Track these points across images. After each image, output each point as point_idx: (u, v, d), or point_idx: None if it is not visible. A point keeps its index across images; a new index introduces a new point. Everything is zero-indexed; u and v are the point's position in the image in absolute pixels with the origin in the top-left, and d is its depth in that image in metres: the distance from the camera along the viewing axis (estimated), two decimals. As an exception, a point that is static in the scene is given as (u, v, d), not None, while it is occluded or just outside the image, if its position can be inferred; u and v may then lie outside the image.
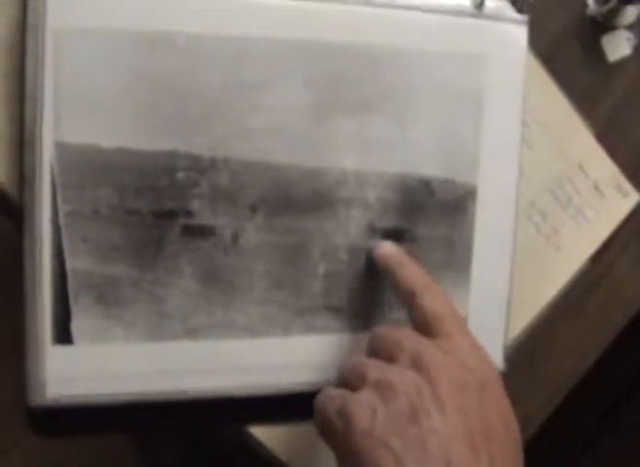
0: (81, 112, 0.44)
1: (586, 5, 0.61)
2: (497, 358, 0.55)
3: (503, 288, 0.55)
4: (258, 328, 0.48)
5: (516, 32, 0.53)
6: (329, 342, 0.50)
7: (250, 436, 0.52)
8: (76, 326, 0.45)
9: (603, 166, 0.63)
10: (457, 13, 0.52)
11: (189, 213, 0.47)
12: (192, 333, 0.47)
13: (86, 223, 0.45)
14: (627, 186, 0.64)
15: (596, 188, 0.63)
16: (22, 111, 0.44)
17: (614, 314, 0.67)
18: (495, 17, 0.53)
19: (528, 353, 0.62)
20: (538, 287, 0.61)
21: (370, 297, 0.51)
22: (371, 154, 0.50)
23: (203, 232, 0.47)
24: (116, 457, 0.56)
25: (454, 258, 0.53)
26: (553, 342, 0.64)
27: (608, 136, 0.63)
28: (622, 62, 0.63)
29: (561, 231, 0.62)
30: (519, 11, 0.53)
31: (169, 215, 0.46)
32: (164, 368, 0.47)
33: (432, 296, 0.45)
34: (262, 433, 0.52)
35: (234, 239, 0.48)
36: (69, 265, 0.45)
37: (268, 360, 0.49)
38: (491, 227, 0.53)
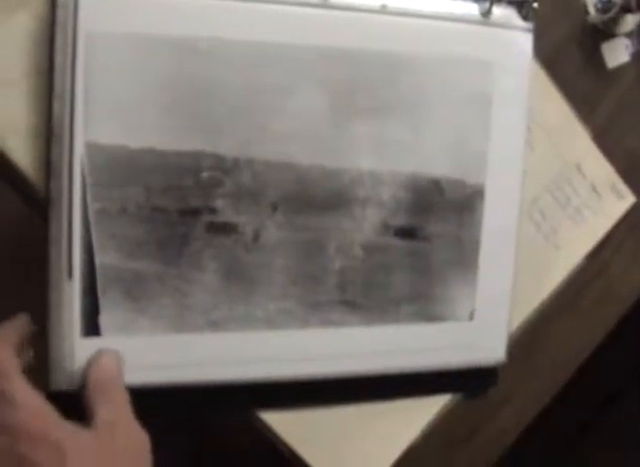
0: (110, 113, 0.46)
1: (587, 13, 0.63)
2: (501, 350, 0.58)
3: (507, 284, 0.57)
4: (276, 321, 0.50)
5: (522, 39, 0.55)
6: (344, 335, 0.52)
7: (261, 422, 0.54)
8: (104, 319, 0.47)
9: (600, 168, 0.65)
10: (467, 20, 0.54)
11: (212, 211, 0.48)
12: (213, 325, 0.49)
13: (113, 220, 0.46)
14: (623, 188, 0.66)
15: (594, 189, 0.65)
16: (51, 107, 0.45)
17: (607, 311, 0.69)
18: (502, 25, 0.55)
19: (525, 347, 0.64)
20: (536, 283, 0.63)
21: (383, 291, 0.53)
22: (385, 155, 0.52)
23: (226, 229, 0.49)
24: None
25: (463, 255, 0.55)
26: (550, 337, 0.66)
27: (605, 139, 0.65)
28: (621, 68, 0.65)
29: (560, 230, 0.64)
30: (525, 18, 0.55)
31: (194, 213, 0.48)
32: (187, 358, 0.49)
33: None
34: (272, 419, 0.54)
35: (256, 236, 0.49)
36: (98, 260, 0.46)
37: (286, 351, 0.51)
38: (498, 225, 0.56)
